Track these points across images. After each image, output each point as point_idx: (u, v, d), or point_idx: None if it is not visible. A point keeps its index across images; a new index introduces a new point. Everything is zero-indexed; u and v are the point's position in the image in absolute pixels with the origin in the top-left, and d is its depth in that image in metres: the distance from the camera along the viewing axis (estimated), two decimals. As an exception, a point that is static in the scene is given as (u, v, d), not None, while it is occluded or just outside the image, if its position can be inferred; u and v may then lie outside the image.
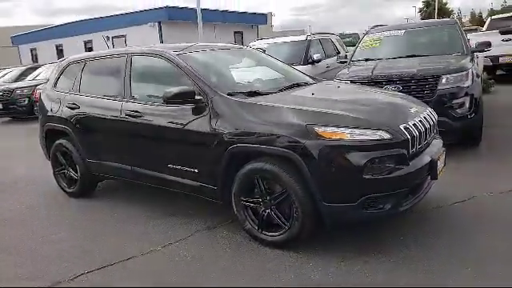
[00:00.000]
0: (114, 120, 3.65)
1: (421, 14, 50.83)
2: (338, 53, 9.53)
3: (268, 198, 2.84)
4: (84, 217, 3.82)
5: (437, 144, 3.10)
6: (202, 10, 15.35)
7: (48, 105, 4.38)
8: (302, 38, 8.75)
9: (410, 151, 2.65)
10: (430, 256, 2.62)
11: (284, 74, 4.03)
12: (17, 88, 11.11)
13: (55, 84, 4.41)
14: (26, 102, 10.79)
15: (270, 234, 2.87)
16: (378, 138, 2.53)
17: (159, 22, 20.29)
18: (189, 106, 3.11)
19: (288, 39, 9.07)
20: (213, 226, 3.30)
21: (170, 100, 3.06)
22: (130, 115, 3.51)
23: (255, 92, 3.18)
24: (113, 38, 20.73)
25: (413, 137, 2.67)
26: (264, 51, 5.24)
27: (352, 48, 8.18)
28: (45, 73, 11.73)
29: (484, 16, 48.53)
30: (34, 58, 26.83)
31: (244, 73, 4.01)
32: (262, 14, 27.68)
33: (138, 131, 3.50)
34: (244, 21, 25.04)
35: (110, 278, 2.70)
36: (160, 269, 2.77)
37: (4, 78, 13.14)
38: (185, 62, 3.34)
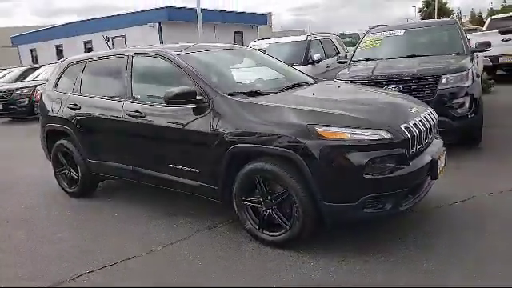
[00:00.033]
0: (115, 120, 3.66)
1: (421, 14, 50.86)
2: (338, 53, 9.55)
3: (269, 197, 2.84)
4: (85, 217, 3.83)
5: (437, 144, 3.10)
6: (202, 10, 15.37)
7: (49, 105, 4.39)
8: (303, 38, 8.76)
9: (411, 151, 2.66)
10: (429, 256, 2.63)
11: (284, 74, 4.03)
12: (17, 88, 11.11)
13: (56, 84, 4.42)
14: (26, 103, 10.78)
15: (271, 233, 2.88)
16: (378, 137, 2.54)
17: (159, 23, 20.30)
18: (190, 106, 3.11)
19: (288, 39, 9.08)
20: (213, 226, 3.31)
21: (171, 100, 3.07)
22: (131, 115, 3.52)
23: (256, 92, 3.19)
24: (113, 38, 20.74)
25: (413, 136, 2.67)
26: (264, 51, 5.25)
27: (352, 48, 8.19)
28: (45, 73, 11.73)
29: (484, 16, 48.55)
30: (34, 59, 26.83)
31: (245, 73, 4.02)
32: (262, 14, 27.70)
33: (139, 131, 3.51)
34: (244, 21, 25.06)
35: (112, 278, 2.71)
36: (161, 268, 2.78)
37: (4, 79, 13.15)
38: (186, 62, 3.35)
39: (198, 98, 3.08)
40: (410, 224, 3.08)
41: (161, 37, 20.18)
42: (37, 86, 10.52)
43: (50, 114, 4.36)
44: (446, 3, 49.68)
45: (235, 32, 24.35)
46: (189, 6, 20.02)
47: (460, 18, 47.91)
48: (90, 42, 22.78)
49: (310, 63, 7.94)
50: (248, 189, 2.93)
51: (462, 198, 3.44)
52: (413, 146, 2.68)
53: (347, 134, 2.54)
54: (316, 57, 7.98)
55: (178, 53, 3.47)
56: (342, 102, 3.11)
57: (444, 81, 4.54)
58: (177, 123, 3.21)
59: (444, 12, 46.11)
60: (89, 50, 21.66)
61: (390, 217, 2.93)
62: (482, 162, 4.48)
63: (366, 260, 2.63)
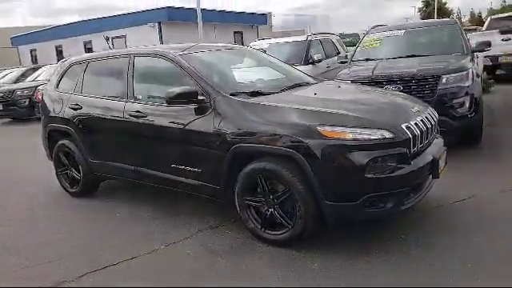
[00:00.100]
0: (117, 120, 3.67)
1: (420, 14, 50.87)
2: (339, 53, 9.57)
3: (271, 197, 2.85)
4: (86, 217, 3.84)
5: (438, 143, 3.12)
6: (202, 10, 15.39)
7: (50, 105, 4.40)
8: (303, 38, 8.78)
9: (412, 150, 2.68)
10: (431, 255, 2.64)
11: (285, 74, 4.05)
12: (17, 89, 11.12)
13: (57, 85, 4.43)
14: (27, 103, 10.79)
15: (273, 233, 2.89)
16: (380, 137, 2.55)
17: (159, 23, 20.31)
18: (191, 106, 3.12)
19: (288, 39, 9.10)
20: (215, 226, 3.32)
21: (172, 100, 3.08)
22: (132, 115, 3.53)
23: (257, 92, 3.20)
24: (113, 38, 20.75)
25: (414, 136, 2.69)
26: (264, 51, 5.26)
27: (352, 48, 8.21)
28: (45, 74, 11.74)
29: (484, 16, 48.56)
30: (34, 59, 26.84)
31: (246, 73, 4.03)
32: (262, 14, 27.70)
33: (141, 131, 3.52)
34: (244, 21, 25.07)
35: (114, 278, 2.72)
36: (163, 268, 2.79)
37: (4, 79, 13.15)
38: (187, 62, 3.36)
39: (200, 97, 3.09)
40: (411, 223, 3.09)
41: (161, 37, 20.20)
42: (37, 86, 10.53)
43: (51, 114, 4.37)
44: (445, 3, 49.69)
45: (235, 32, 24.36)
46: (189, 6, 20.05)
47: (460, 18, 47.89)
48: (89, 42, 22.79)
49: (310, 63, 7.96)
50: (250, 188, 2.94)
51: (463, 198, 3.46)
52: (414, 146, 2.69)
53: (349, 134, 2.55)
54: (316, 57, 8.01)
55: (179, 53, 3.49)
56: (344, 101, 3.12)
57: (444, 81, 4.55)
58: (178, 123, 3.22)
59: (444, 12, 46.11)
60: (89, 50, 21.67)
61: (392, 216, 2.94)
62: (482, 161, 4.49)
63: (367, 260, 2.64)
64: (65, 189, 4.42)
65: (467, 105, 4.57)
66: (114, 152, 3.87)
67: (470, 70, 4.69)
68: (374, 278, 2.46)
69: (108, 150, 3.92)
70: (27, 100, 10.77)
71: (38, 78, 11.81)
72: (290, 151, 2.65)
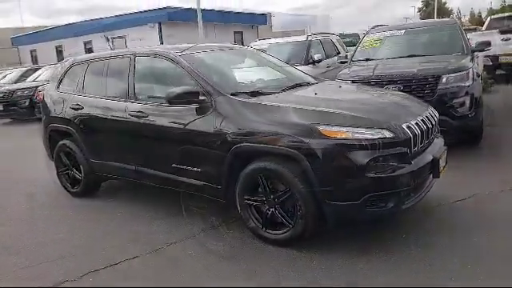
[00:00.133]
0: (118, 120, 3.68)
1: (420, 14, 50.89)
2: (339, 53, 9.58)
3: (272, 196, 2.86)
4: (88, 217, 3.85)
5: (438, 143, 3.13)
6: (202, 10, 15.40)
7: (52, 106, 4.41)
8: (303, 38, 8.80)
9: (413, 150, 2.69)
10: (431, 255, 2.64)
11: (286, 74, 4.06)
12: (17, 89, 11.13)
13: (59, 85, 4.44)
14: (27, 104, 10.79)
15: (274, 232, 2.90)
16: (380, 136, 2.56)
17: (159, 23, 20.32)
18: (192, 106, 3.14)
19: (289, 39, 9.12)
20: (217, 225, 3.33)
21: (173, 100, 3.10)
22: (133, 115, 3.54)
23: (258, 92, 3.21)
24: (113, 38, 20.76)
25: (415, 135, 2.70)
26: (264, 51, 5.28)
27: (352, 48, 8.22)
28: (45, 74, 11.75)
29: (483, 15, 48.53)
30: (34, 60, 26.85)
31: (246, 73, 4.05)
32: (262, 14, 27.70)
33: (142, 131, 3.53)
34: (244, 21, 25.07)
35: (116, 278, 2.72)
36: (166, 268, 2.80)
37: (4, 80, 13.16)
38: (188, 62, 3.37)
39: (201, 98, 3.11)
40: (411, 223, 3.10)
41: (161, 37, 20.21)
42: (37, 86, 10.54)
43: (52, 114, 4.38)
44: (445, 3, 49.72)
45: (235, 32, 24.37)
46: (189, 6, 20.06)
47: (459, 18, 47.89)
48: (90, 42, 22.79)
49: (310, 63, 7.98)
50: (251, 188, 2.95)
51: (463, 197, 3.46)
52: (414, 145, 2.70)
53: (350, 134, 2.56)
54: (316, 57, 8.03)
55: (180, 53, 3.50)
56: (344, 101, 3.14)
57: (444, 80, 4.56)
58: (179, 123, 3.23)
59: (444, 12, 46.13)
60: (89, 50, 21.68)
61: (393, 215, 2.95)
62: (482, 161, 4.51)
63: (367, 259, 2.65)
64: (66, 189, 4.43)
65: (467, 104, 4.59)
66: (115, 152, 3.88)
67: (470, 70, 4.70)
68: (375, 277, 2.47)
69: (109, 150, 3.93)
70: (27, 100, 10.78)
71: (39, 79, 11.82)
72: (290, 151, 2.66)
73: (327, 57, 8.83)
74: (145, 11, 21.02)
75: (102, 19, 22.39)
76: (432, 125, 2.99)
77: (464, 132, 4.70)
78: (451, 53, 5.34)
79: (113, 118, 3.74)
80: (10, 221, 3.91)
